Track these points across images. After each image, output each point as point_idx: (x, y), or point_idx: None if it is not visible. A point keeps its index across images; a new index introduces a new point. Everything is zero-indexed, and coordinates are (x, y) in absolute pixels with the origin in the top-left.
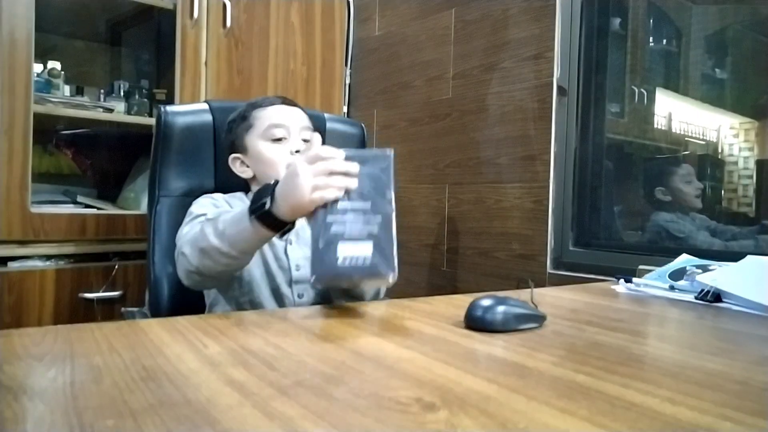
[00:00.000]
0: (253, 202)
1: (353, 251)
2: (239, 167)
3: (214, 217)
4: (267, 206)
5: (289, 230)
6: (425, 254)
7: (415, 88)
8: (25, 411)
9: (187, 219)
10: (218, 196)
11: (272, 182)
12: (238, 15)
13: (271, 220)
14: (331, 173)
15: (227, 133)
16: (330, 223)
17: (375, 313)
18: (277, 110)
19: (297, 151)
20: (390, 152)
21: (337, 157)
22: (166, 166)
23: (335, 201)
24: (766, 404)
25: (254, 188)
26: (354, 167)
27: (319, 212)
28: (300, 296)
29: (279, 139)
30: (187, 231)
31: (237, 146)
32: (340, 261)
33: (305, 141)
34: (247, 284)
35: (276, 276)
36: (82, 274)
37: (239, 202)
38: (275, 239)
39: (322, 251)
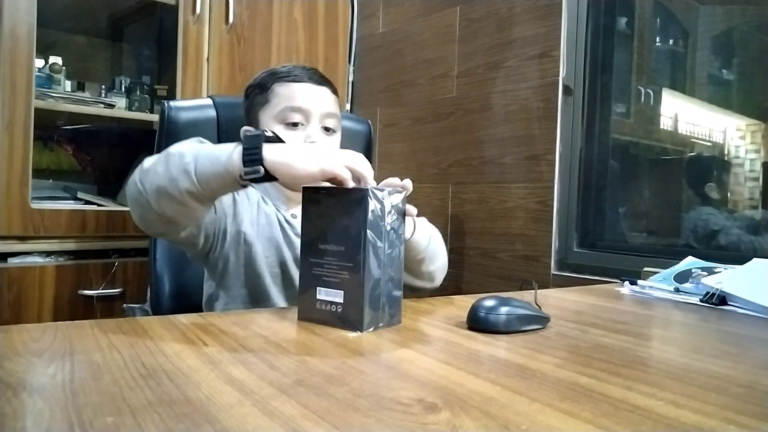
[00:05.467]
0: (247, 151)
1: (327, 296)
2: None
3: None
4: (261, 173)
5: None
6: None
7: (419, 87)
8: (25, 407)
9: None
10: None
11: (268, 133)
12: (241, 11)
13: (255, 177)
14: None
15: (244, 99)
16: (313, 263)
17: None
18: (299, 90)
19: (312, 143)
20: (367, 185)
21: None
22: None
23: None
24: None
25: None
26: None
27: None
28: None
29: (295, 124)
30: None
31: (250, 119)
32: (318, 304)
33: (326, 130)
34: (252, 273)
35: (284, 251)
36: (81, 270)
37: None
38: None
39: (309, 290)
